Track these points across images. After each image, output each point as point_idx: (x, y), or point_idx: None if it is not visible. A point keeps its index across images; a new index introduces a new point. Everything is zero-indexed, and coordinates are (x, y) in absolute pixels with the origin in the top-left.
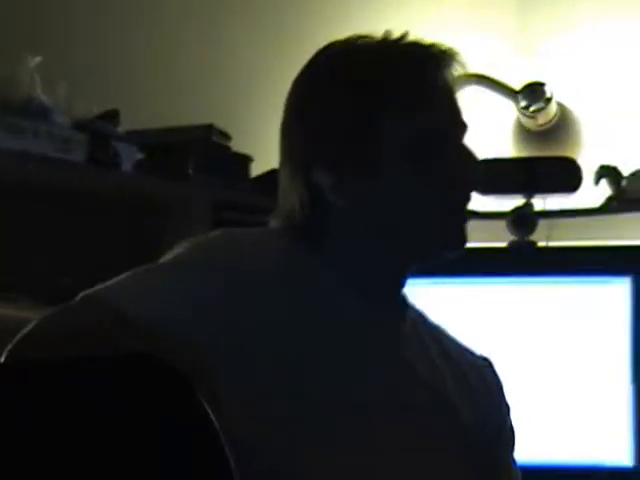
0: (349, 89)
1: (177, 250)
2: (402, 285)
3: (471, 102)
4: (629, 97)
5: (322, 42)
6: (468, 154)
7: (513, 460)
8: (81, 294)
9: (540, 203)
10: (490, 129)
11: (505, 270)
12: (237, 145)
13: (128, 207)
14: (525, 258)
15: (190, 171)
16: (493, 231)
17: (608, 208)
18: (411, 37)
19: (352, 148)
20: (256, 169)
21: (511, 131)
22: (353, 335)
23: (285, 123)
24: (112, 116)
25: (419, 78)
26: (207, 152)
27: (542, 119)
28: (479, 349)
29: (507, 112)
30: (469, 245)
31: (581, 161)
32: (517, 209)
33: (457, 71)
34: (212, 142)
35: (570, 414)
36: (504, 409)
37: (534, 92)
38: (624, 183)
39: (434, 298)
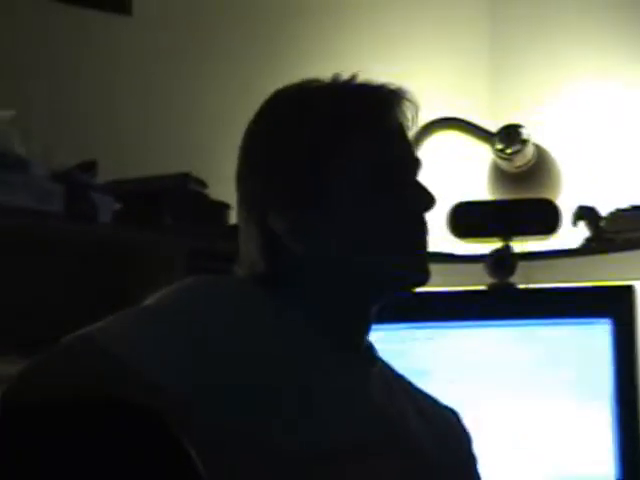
0: (299, 131)
1: (151, 298)
2: (368, 328)
3: (447, 144)
4: (606, 137)
5: None
6: (421, 189)
7: None
8: (67, 337)
9: (519, 245)
10: (466, 171)
11: (485, 313)
12: (214, 193)
13: (105, 256)
14: (505, 301)
15: (167, 219)
16: (472, 274)
17: (587, 249)
18: (360, 78)
19: (304, 190)
20: (233, 217)
21: (488, 173)
22: (321, 378)
23: (239, 171)
24: (89, 167)
25: (369, 116)
26: (184, 200)
27: (519, 161)
28: (460, 392)
29: (483, 154)
30: (449, 289)
31: (559, 202)
32: (496, 251)
33: (408, 109)
34: (189, 190)
35: (552, 457)
36: (472, 460)
37: (510, 134)
38: (602, 223)
39: (412, 343)
